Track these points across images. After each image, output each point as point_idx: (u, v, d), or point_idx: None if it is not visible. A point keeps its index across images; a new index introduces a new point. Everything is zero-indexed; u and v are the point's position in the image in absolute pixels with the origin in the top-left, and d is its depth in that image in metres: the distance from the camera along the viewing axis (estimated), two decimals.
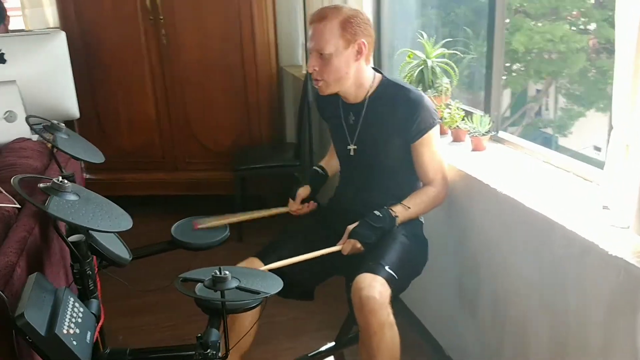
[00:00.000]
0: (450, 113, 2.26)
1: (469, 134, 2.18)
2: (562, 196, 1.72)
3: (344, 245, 1.84)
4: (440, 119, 2.21)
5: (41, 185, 1.25)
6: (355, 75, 1.89)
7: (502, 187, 1.82)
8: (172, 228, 2.00)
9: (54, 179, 1.26)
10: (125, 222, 1.31)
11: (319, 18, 1.82)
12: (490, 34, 2.20)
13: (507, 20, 2.23)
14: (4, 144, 2.40)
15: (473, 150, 2.17)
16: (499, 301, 1.93)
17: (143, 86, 3.54)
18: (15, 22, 3.90)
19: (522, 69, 4.58)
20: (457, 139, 2.29)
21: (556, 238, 1.58)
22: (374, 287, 1.70)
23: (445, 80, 2.38)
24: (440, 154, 1.96)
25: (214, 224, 1.96)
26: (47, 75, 2.51)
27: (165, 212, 3.79)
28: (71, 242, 1.35)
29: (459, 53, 2.43)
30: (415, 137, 1.89)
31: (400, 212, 1.89)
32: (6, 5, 3.64)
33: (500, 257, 1.89)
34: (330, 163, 2.18)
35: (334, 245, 1.88)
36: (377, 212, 1.85)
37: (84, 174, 3.75)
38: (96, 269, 1.52)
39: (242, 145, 3.57)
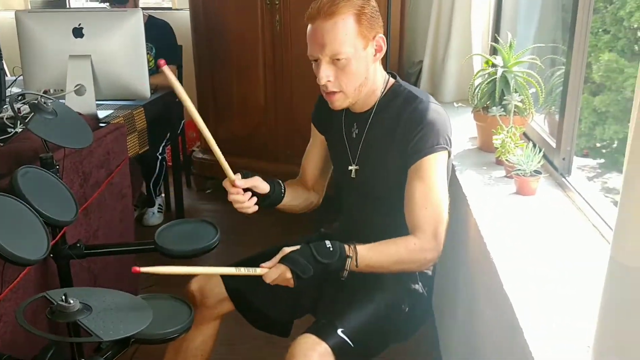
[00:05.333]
0: (502, 139, 1.71)
1: (513, 171, 1.62)
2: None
3: (271, 271, 1.34)
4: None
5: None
6: (372, 79, 1.50)
7: (510, 267, 1.27)
8: (157, 230, 1.82)
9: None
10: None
11: (326, 14, 1.38)
12: (571, 30, 1.59)
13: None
14: None
15: (516, 193, 1.62)
16: None
17: (256, 73, 3.44)
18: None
19: None
20: (509, 175, 1.74)
21: None
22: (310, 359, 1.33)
23: (517, 96, 1.81)
24: (441, 195, 1.43)
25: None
26: (120, 53, 2.49)
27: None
28: None
29: (537, 61, 1.83)
30: (410, 159, 1.44)
31: (356, 254, 1.36)
32: None
33: None
34: (294, 188, 1.70)
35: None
36: (328, 243, 1.35)
37: (197, 155, 3.85)
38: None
39: None
